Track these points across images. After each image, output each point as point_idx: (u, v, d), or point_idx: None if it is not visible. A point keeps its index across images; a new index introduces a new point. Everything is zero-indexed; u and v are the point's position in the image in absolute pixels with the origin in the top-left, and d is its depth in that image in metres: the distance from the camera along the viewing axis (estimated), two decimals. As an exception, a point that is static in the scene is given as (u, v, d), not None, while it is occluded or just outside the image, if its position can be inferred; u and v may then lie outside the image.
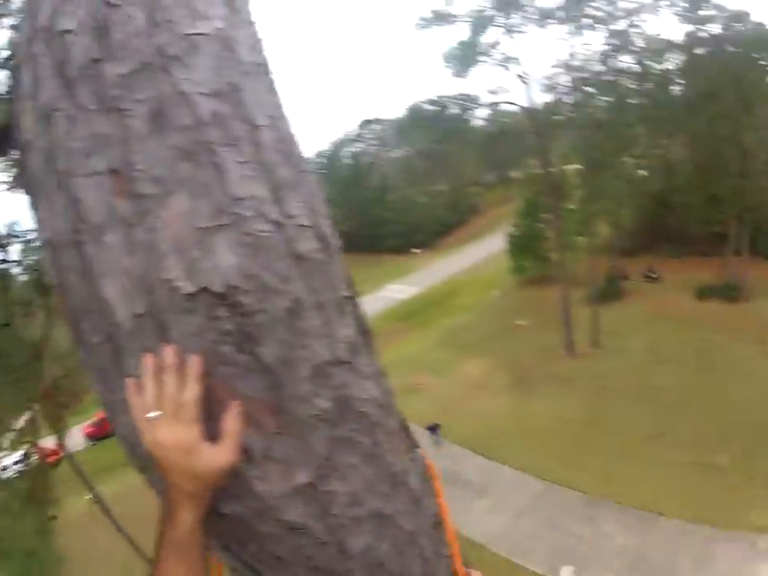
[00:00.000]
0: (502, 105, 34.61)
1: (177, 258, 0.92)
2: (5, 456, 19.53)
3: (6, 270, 17.76)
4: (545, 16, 28.01)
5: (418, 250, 56.23)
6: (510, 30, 28.41)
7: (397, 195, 61.31)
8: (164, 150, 0.93)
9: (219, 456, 0.97)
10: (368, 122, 71.42)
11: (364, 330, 1.22)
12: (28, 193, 1.08)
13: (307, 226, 1.07)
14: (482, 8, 28.31)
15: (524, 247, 36.83)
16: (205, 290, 0.93)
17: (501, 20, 28.27)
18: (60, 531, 22.46)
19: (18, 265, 18.39)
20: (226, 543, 1.15)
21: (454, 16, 29.40)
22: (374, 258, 57.01)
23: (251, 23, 1.15)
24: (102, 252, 0.95)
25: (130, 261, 0.94)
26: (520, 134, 36.26)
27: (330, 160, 72.76)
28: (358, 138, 72.79)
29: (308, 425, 1.04)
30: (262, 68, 1.12)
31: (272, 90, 1.13)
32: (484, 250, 45.75)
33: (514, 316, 32.62)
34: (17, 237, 16.91)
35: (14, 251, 17.82)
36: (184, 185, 0.93)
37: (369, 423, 1.15)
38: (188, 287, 0.92)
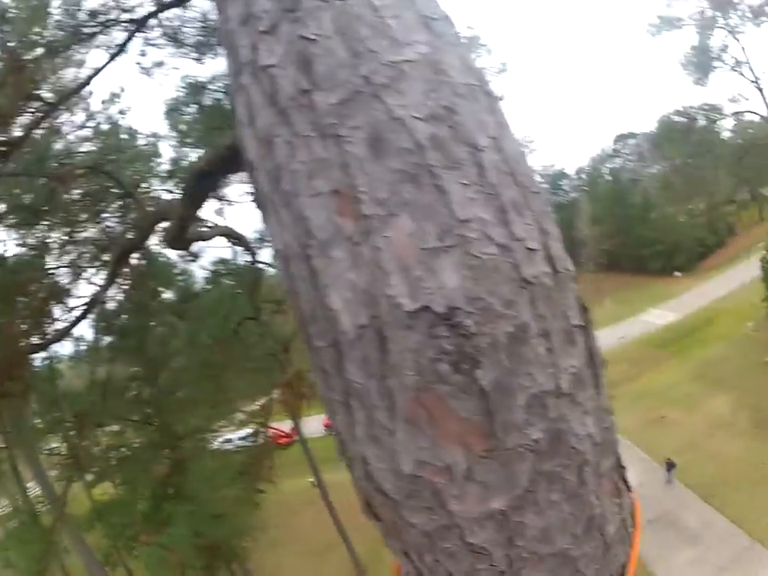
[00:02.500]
0: (746, 114, 32.60)
1: (400, 276, 0.91)
2: (231, 431, 21.02)
3: (258, 269, 18.67)
4: (757, 14, 26.50)
5: (679, 274, 54.23)
6: (732, 32, 27.19)
7: (658, 214, 59.05)
8: (385, 173, 0.92)
9: None
10: (623, 136, 69.55)
11: (594, 363, 1.12)
12: (259, 207, 1.12)
13: (535, 249, 1.00)
14: (700, 8, 27.44)
15: None
16: (426, 308, 0.90)
17: (721, 20, 27.15)
18: (277, 509, 24.87)
19: (270, 266, 19.15)
20: (405, 549, 1.14)
21: (680, 19, 28.61)
22: (635, 279, 56.08)
23: (458, 44, 1.10)
24: (329, 266, 0.96)
25: (355, 275, 0.93)
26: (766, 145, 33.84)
27: (590, 176, 71.68)
28: (615, 154, 71.15)
29: (516, 454, 0.96)
30: (477, 89, 1.05)
31: (492, 110, 1.06)
32: (742, 274, 42.58)
33: (764, 351, 30.73)
34: (266, 241, 17.38)
35: (265, 254, 18.54)
36: (407, 207, 0.91)
37: (579, 461, 1.04)
38: (410, 305, 0.90)
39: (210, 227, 16.09)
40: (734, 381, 29.11)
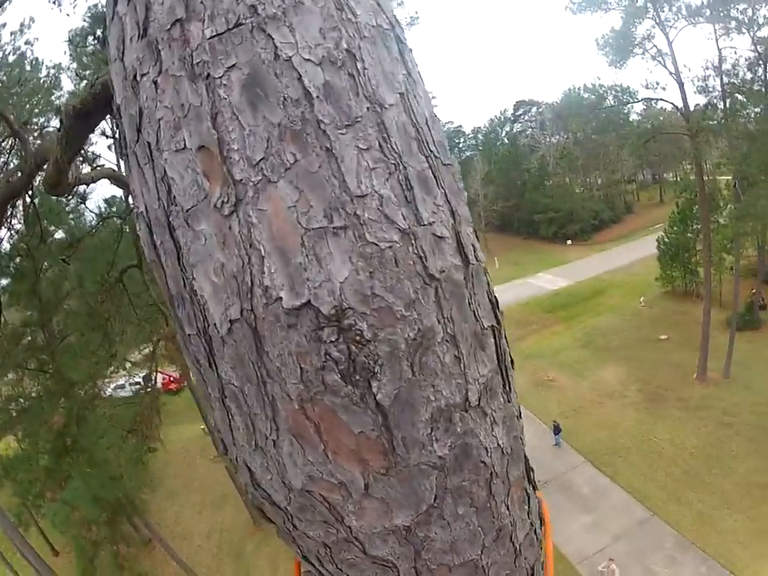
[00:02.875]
0: (658, 102, 32.45)
1: (278, 262, 0.75)
2: (122, 378, 20.63)
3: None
4: (693, 14, 26.06)
5: (571, 242, 55.10)
6: (661, 24, 26.61)
7: (554, 182, 60.22)
8: (263, 127, 0.74)
9: None
10: (524, 102, 70.47)
11: (504, 367, 1.03)
12: (123, 159, 0.96)
13: (445, 237, 0.85)
14: (634, -2, 26.41)
15: (673, 257, 35.55)
16: (310, 305, 0.75)
17: (652, 12, 26.55)
18: (172, 457, 24.77)
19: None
20: (304, 555, 1.08)
21: (607, 2, 27.97)
22: (526, 243, 57.35)
23: None
24: (195, 241, 0.80)
25: (224, 256, 0.78)
26: (675, 135, 35.04)
27: (487, 138, 71.78)
28: (515, 119, 71.76)
29: (419, 471, 0.89)
30: (387, 33, 0.86)
31: (403, 61, 0.88)
32: (635, 251, 44.09)
33: (655, 327, 31.79)
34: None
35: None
36: (289, 173, 0.74)
37: (488, 474, 0.99)
38: (290, 300, 0.74)
39: (94, 168, 14.60)
40: (624, 353, 29.87)
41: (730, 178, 29.04)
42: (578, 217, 56.65)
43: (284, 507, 0.96)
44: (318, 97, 0.75)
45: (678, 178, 55.23)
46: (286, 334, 0.76)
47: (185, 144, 0.77)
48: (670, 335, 30.83)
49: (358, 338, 0.75)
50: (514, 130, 71.98)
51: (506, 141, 69.76)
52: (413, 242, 0.79)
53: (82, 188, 16.30)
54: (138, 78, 0.82)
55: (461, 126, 76.55)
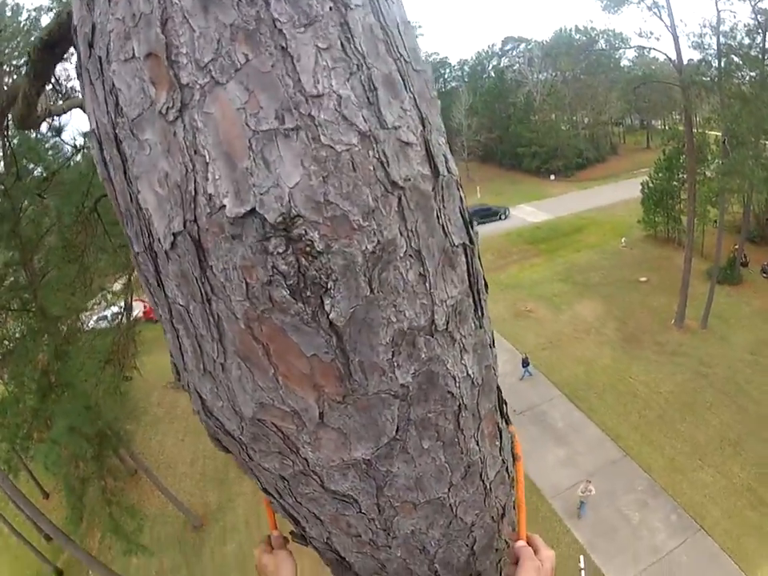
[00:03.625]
0: (651, 51, 31.76)
1: (224, 168, 0.67)
2: (102, 310, 20.19)
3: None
4: None
5: (553, 177, 54.39)
6: None
7: (540, 118, 59.01)
8: (214, 28, 0.66)
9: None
10: (513, 38, 68.20)
11: (476, 290, 0.94)
12: (79, 80, 0.88)
13: (411, 144, 0.76)
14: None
15: (657, 202, 34.55)
16: (255, 213, 0.67)
17: None
18: (154, 385, 24.64)
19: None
20: (264, 487, 1.06)
21: None
22: (509, 174, 56.32)
23: None
24: (140, 151, 0.73)
25: (168, 165, 0.70)
26: (666, 85, 34.39)
27: (473, 70, 69.82)
28: (502, 53, 69.61)
29: (379, 399, 0.83)
30: None
31: None
32: (618, 192, 43.09)
33: (635, 268, 31.13)
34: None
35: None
36: (239, 74, 0.66)
37: (456, 406, 0.93)
38: (234, 207, 0.67)
39: (65, 100, 13.85)
40: (603, 290, 29.30)
41: (719, 134, 27.91)
42: (563, 153, 55.60)
43: (237, 437, 0.92)
44: None
45: (667, 127, 54.34)
46: (230, 245, 0.70)
47: (133, 53, 0.71)
48: (650, 278, 30.10)
49: (308, 249, 0.69)
50: (501, 65, 69.43)
51: (493, 74, 67.42)
52: (374, 146, 0.71)
53: (57, 121, 15.23)
54: None
55: (447, 57, 74.98)
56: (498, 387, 1.13)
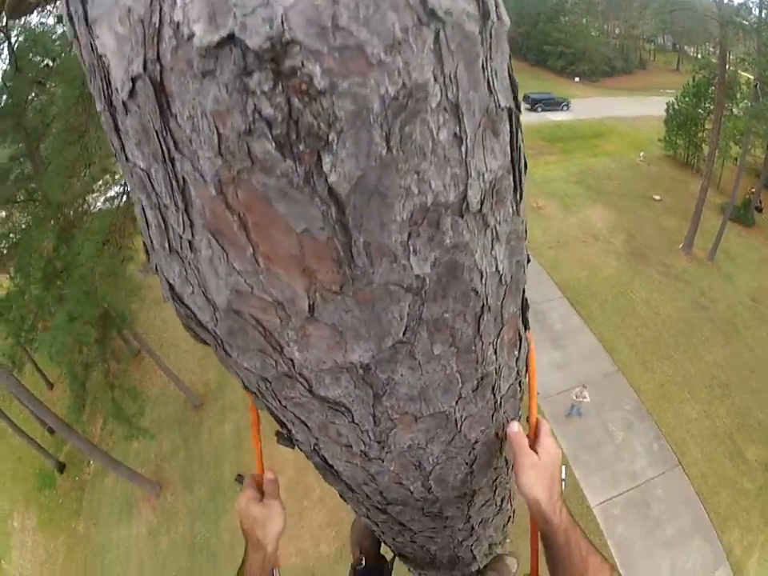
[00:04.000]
0: None
1: None
2: (111, 190, 19.62)
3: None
4: None
5: (578, 79, 52.56)
6: None
7: (570, 20, 57.20)
8: None
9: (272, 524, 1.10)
10: None
11: (518, 168, 0.76)
12: None
13: None
14: None
15: (680, 125, 32.91)
16: (233, 40, 0.47)
17: None
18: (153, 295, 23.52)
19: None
20: (246, 386, 0.93)
21: None
22: (534, 70, 53.95)
23: None
24: None
25: None
26: (703, 17, 33.54)
27: None
28: None
29: (386, 292, 0.66)
30: None
31: None
32: (642, 107, 41.10)
33: (650, 185, 29.60)
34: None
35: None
36: None
37: (479, 307, 0.78)
38: (206, 35, 0.48)
39: None
40: (616, 200, 27.81)
41: (751, 77, 26.19)
42: (590, 58, 53.74)
43: (212, 330, 0.79)
44: None
45: (699, 56, 52.29)
46: (200, 86, 0.51)
47: None
48: (664, 198, 28.59)
49: (305, 87, 0.49)
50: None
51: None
52: None
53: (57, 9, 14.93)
54: None
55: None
56: (524, 290, 0.96)
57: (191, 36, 0.48)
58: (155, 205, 0.66)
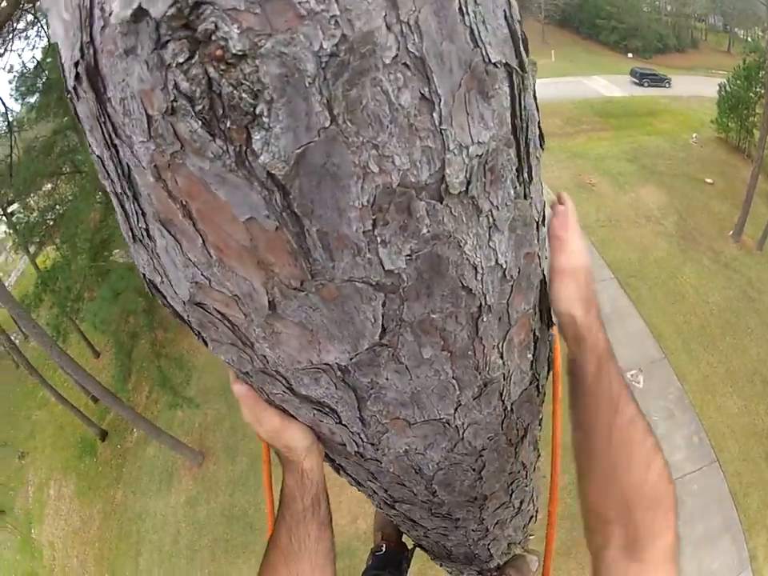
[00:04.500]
0: None
1: None
2: None
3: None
4: None
5: (631, 55, 51.73)
6: None
7: None
8: None
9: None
10: None
11: (524, 139, 0.65)
12: None
13: None
14: None
15: (732, 108, 31.79)
16: (145, 12, 0.42)
17: None
18: None
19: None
20: (232, 370, 0.84)
21: None
22: (586, 43, 54.43)
23: None
24: None
25: None
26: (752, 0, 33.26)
27: None
28: None
29: (354, 290, 0.59)
30: None
31: None
32: (695, 86, 39.95)
33: (702, 167, 28.61)
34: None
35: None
36: None
37: (476, 306, 0.69)
38: (121, 11, 0.43)
39: None
40: (668, 181, 26.89)
41: None
42: (642, 34, 53.42)
43: (187, 320, 0.73)
44: None
45: (749, 38, 51.18)
46: (126, 65, 0.47)
47: None
48: (716, 182, 27.63)
49: (219, 53, 0.43)
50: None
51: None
52: None
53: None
54: None
55: None
56: (544, 280, 0.87)
57: (111, 13, 0.44)
58: (113, 192, 0.62)
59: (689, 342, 18.47)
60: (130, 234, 0.65)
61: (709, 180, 27.66)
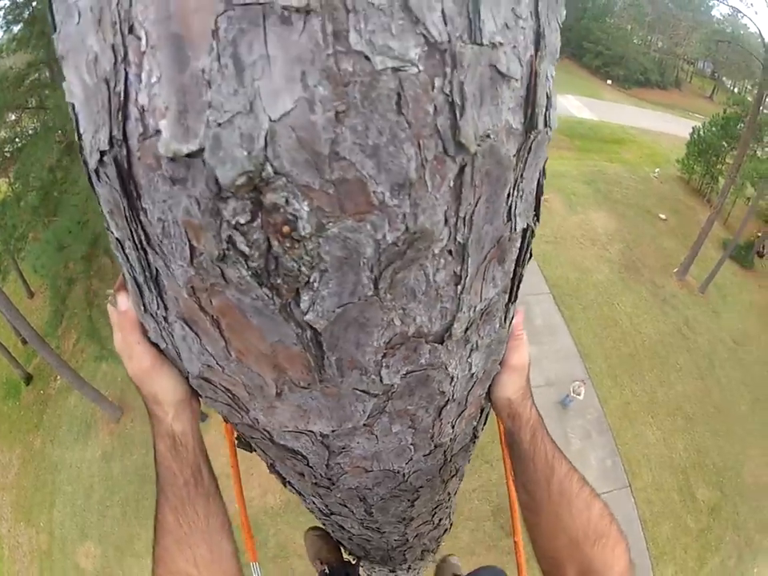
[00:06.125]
0: (744, 18, 32.04)
1: (166, 62, 0.39)
2: None
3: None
4: None
5: (610, 82, 52.78)
6: None
7: (615, 23, 59.08)
8: None
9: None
10: None
11: (517, 281, 0.72)
12: None
13: (511, 77, 0.45)
14: None
15: (701, 152, 32.36)
16: (202, 153, 0.41)
17: None
18: None
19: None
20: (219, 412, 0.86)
21: None
22: (567, 63, 54.32)
23: None
24: (68, 19, 0.46)
25: (97, 43, 0.43)
26: (748, 54, 33.45)
27: None
28: None
29: (353, 395, 0.67)
30: None
31: None
32: (668, 124, 40.60)
33: (658, 203, 29.04)
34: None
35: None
36: None
37: (443, 401, 0.78)
38: (173, 142, 0.40)
39: None
40: (621, 210, 27.25)
41: None
42: (626, 64, 54.02)
43: (186, 374, 0.75)
44: None
45: (736, 90, 54.13)
46: (170, 190, 0.44)
47: None
48: (669, 219, 28.05)
49: (286, 230, 0.43)
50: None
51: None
52: (446, 70, 0.40)
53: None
54: None
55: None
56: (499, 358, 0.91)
57: (157, 133, 0.40)
58: (129, 271, 0.60)
59: (615, 368, 18.60)
60: (142, 307, 0.65)
61: (662, 216, 28.02)
